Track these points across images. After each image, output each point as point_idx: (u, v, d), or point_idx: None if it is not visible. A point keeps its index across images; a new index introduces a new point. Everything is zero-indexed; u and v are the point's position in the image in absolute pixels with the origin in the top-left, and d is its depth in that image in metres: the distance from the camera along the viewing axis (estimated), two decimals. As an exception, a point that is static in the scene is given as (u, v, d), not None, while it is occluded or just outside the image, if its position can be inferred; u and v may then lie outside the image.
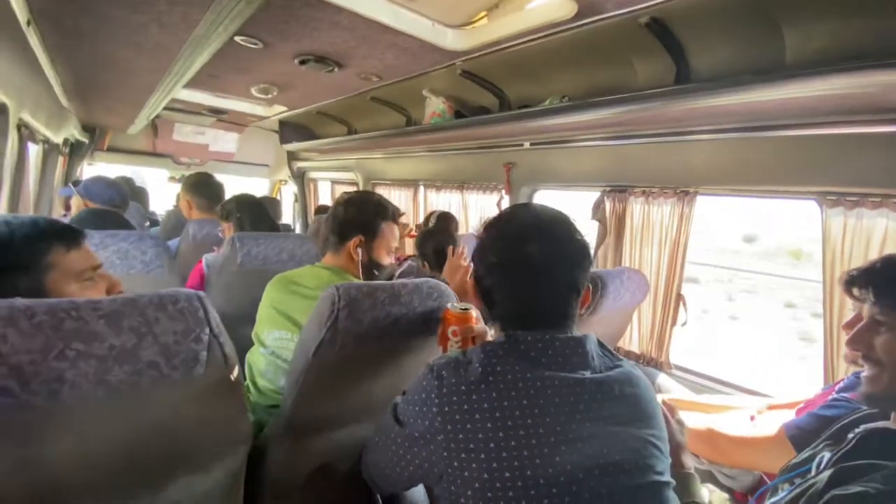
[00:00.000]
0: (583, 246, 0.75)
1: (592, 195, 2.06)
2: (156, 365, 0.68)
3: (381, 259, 1.28)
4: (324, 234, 1.30)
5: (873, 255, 1.25)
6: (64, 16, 1.04)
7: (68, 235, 0.86)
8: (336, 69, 1.98)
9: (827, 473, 0.66)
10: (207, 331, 0.72)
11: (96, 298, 0.66)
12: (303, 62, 1.91)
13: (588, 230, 1.41)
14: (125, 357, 0.65)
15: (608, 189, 1.95)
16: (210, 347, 0.73)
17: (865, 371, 0.72)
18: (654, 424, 0.72)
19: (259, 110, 3.37)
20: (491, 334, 0.91)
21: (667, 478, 0.70)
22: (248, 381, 1.26)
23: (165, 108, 2.90)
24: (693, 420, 1.26)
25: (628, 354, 1.94)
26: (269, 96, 2.62)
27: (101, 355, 0.63)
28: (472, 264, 0.85)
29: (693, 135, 1.50)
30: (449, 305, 0.92)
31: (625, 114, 1.46)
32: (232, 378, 0.77)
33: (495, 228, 0.78)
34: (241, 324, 1.55)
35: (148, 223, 2.78)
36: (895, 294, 0.70)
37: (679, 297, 1.77)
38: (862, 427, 0.73)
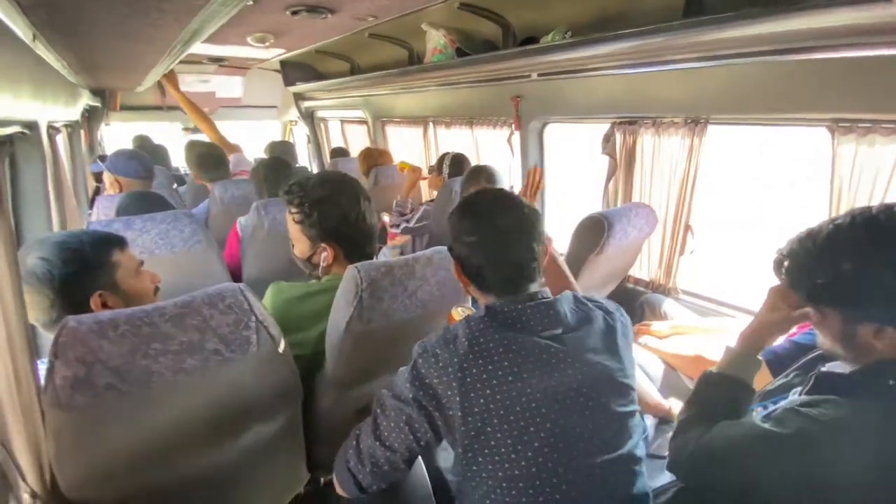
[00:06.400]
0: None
1: (604, 129, 2.01)
2: (218, 351, 0.83)
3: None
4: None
5: (881, 186, 1.24)
6: (63, 15, 1.06)
7: (120, 240, 1.02)
8: (329, 15, 1.90)
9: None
10: (254, 319, 0.86)
11: (161, 304, 0.79)
12: (294, 13, 1.84)
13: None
14: (193, 349, 0.80)
15: (618, 121, 1.91)
16: (258, 331, 0.87)
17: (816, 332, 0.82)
18: (618, 360, 0.86)
19: (258, 54, 3.26)
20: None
21: (631, 408, 0.85)
22: None
23: (166, 63, 2.88)
24: (686, 345, 1.39)
25: (637, 282, 2.03)
26: (266, 44, 2.55)
27: (175, 350, 0.78)
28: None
29: (705, 61, 1.43)
30: (454, 310, 1.02)
31: (633, 48, 1.40)
32: (280, 350, 0.93)
33: (467, 212, 0.90)
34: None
35: (175, 184, 2.90)
36: (799, 287, 0.79)
37: (687, 227, 1.80)
38: (817, 369, 0.83)
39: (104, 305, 0.97)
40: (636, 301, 1.93)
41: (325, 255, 1.16)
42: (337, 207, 1.15)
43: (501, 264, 0.87)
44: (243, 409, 0.94)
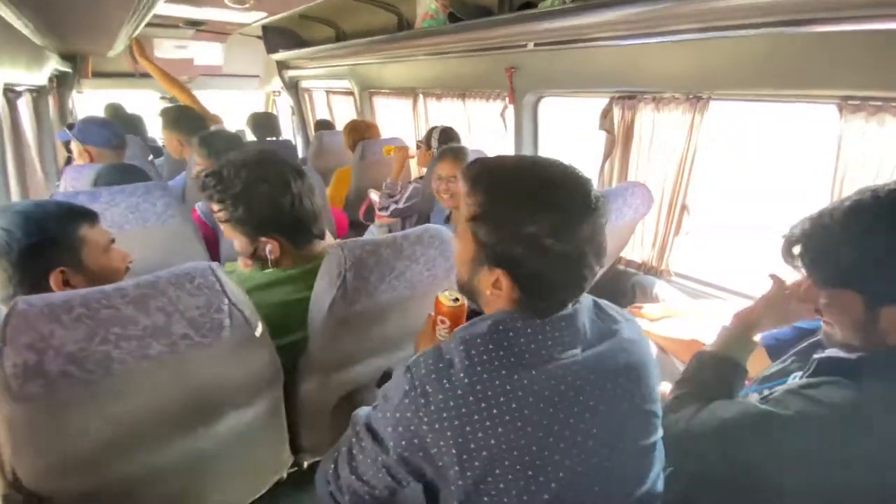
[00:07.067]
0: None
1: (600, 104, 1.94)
2: (188, 336, 0.77)
3: None
4: None
5: (886, 168, 1.20)
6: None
7: (90, 214, 0.95)
8: (313, -27, 1.77)
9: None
10: (226, 301, 0.80)
11: (122, 284, 0.73)
12: (275, -31, 1.71)
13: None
14: (159, 333, 0.73)
15: (617, 95, 1.83)
16: (231, 314, 0.81)
17: (822, 322, 0.77)
18: (641, 384, 0.72)
19: (238, 17, 3.08)
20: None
21: (654, 438, 0.73)
22: None
23: (139, 26, 2.69)
24: (680, 329, 1.37)
25: (629, 264, 2.00)
26: (246, 5, 2.40)
27: (138, 335, 0.71)
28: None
29: (710, 32, 1.35)
30: (440, 295, 0.85)
31: (635, 15, 1.32)
32: (257, 335, 0.87)
33: (546, 196, 0.64)
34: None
35: (151, 156, 2.76)
36: (818, 270, 0.72)
37: (684, 207, 1.76)
38: (817, 355, 0.79)
39: (66, 284, 0.90)
40: (627, 282, 1.91)
41: (270, 247, 1.02)
42: (263, 197, 0.98)
43: (565, 283, 0.66)
44: (218, 395, 0.89)
